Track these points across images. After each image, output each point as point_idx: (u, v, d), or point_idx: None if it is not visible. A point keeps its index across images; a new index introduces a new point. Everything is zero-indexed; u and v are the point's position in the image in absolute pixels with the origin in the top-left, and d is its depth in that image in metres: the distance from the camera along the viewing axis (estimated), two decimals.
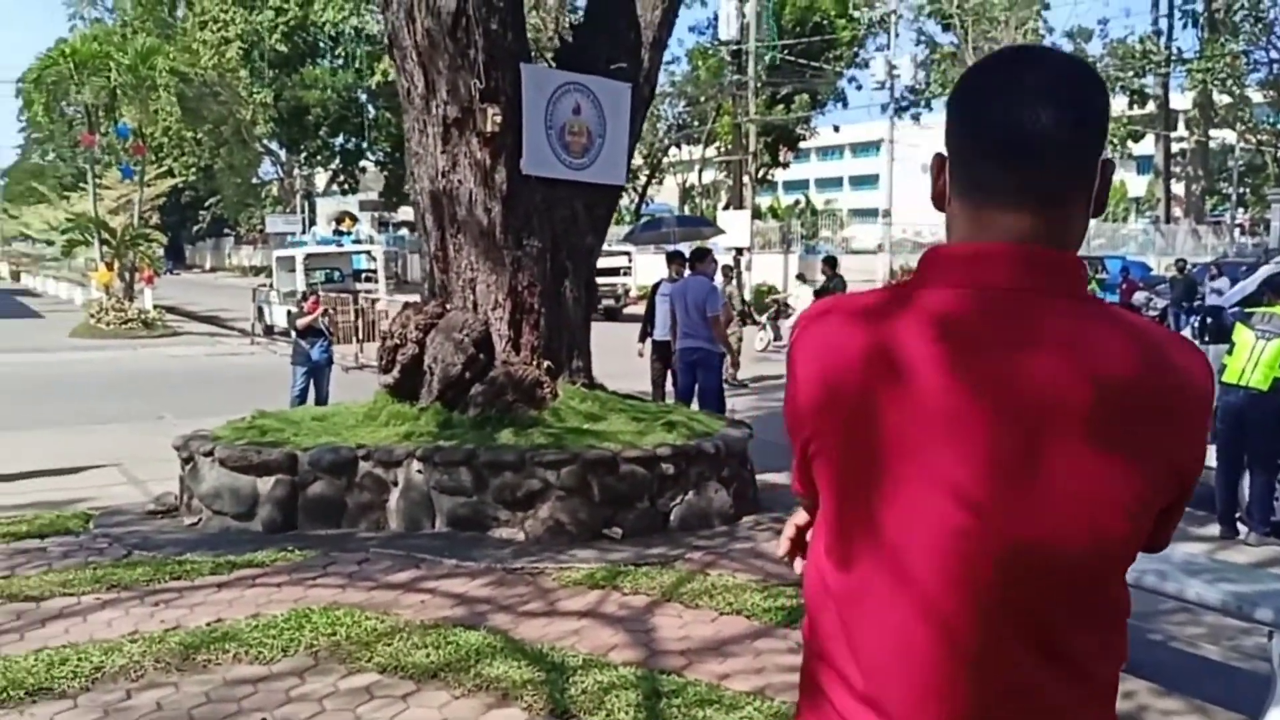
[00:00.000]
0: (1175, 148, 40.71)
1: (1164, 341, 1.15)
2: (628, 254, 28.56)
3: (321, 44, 46.30)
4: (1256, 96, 38.71)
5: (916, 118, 41.47)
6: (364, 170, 51.30)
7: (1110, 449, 1.09)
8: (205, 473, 6.67)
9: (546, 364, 7.20)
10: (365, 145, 48.75)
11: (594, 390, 7.52)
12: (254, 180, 54.97)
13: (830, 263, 17.20)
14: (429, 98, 6.97)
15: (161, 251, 33.81)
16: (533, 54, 7.90)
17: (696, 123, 43.45)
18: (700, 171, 49.62)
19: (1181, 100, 40.57)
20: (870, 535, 1.16)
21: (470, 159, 6.97)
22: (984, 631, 1.11)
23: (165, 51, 34.45)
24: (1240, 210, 45.64)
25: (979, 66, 1.23)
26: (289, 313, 14.38)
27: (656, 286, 11.49)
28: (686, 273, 10.10)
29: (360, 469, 6.47)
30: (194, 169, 50.66)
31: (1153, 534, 1.17)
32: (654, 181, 47.38)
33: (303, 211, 47.09)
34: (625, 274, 28.10)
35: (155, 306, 25.88)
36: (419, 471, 6.42)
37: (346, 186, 50.60)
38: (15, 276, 52.32)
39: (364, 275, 24.36)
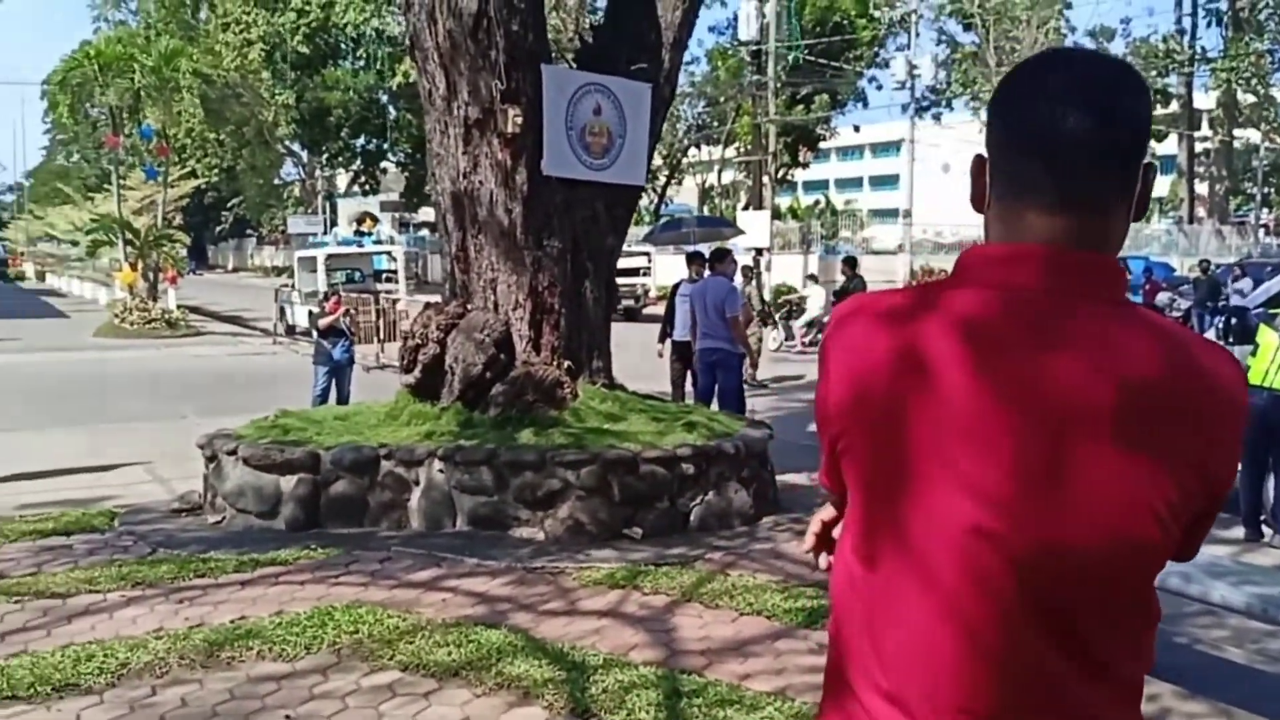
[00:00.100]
0: (1199, 147, 40.41)
1: (1192, 344, 1.15)
2: (647, 254, 28.57)
3: (343, 46, 46.57)
4: None
5: (937, 118, 41.37)
6: (385, 171, 51.54)
7: (1136, 451, 1.09)
8: (229, 471, 6.72)
9: (567, 364, 7.22)
10: (386, 146, 49.00)
11: (614, 390, 7.53)
12: (276, 181, 55.32)
13: (850, 263, 17.18)
14: (450, 99, 7.00)
15: (185, 252, 34.04)
16: (553, 55, 7.92)
17: (716, 123, 43.41)
18: (720, 172, 49.56)
19: (1205, 100, 40.28)
20: (896, 535, 1.16)
21: (491, 160, 7.00)
22: (1007, 633, 1.11)
23: (188, 53, 34.64)
24: (1265, 210, 45.26)
25: (1019, 68, 1.23)
26: (310, 313, 14.47)
27: (676, 287, 11.50)
28: (706, 273, 10.10)
29: (382, 468, 6.51)
30: (217, 170, 51.04)
31: (1182, 543, 1.16)
32: (673, 182, 47.36)
33: (324, 212, 47.37)
34: (645, 274, 28.12)
35: (178, 306, 26.07)
36: (440, 471, 6.45)
37: (367, 187, 50.85)
38: (41, 276, 52.81)
39: (384, 275, 24.47)
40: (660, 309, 14.90)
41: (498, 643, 4.41)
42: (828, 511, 1.49)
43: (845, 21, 38.43)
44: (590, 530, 6.28)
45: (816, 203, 58.41)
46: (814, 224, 41.20)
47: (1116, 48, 37.11)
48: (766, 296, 24.30)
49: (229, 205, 59.37)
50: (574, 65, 8.02)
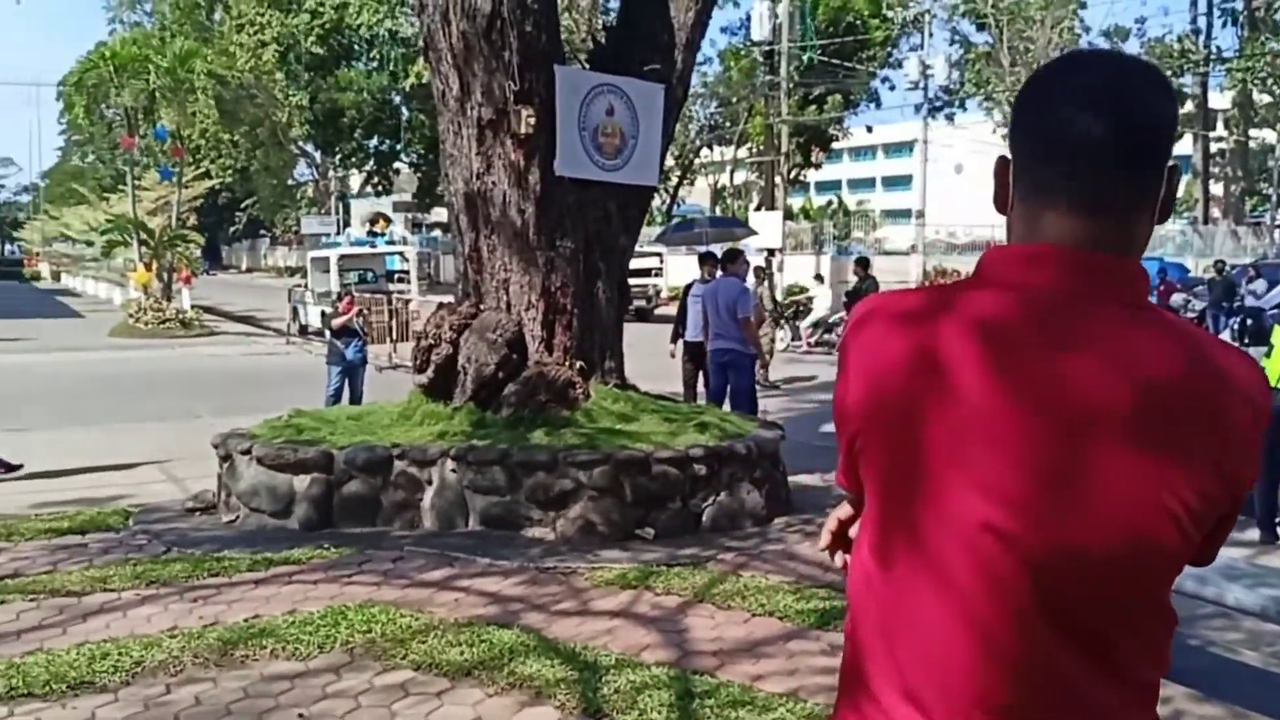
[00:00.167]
0: (1214, 148, 40.21)
1: (1210, 346, 1.15)
2: (659, 255, 28.56)
3: (356, 47, 46.73)
4: None
5: (950, 118, 41.23)
6: (398, 172, 51.70)
7: (1153, 453, 1.08)
8: (243, 471, 6.75)
9: (579, 364, 7.22)
10: (399, 147, 49.15)
11: (626, 391, 7.53)
12: (289, 182, 55.55)
13: (863, 264, 17.12)
14: (464, 100, 7.01)
15: (199, 252, 34.19)
16: (566, 56, 7.93)
17: (728, 123, 43.41)
18: (732, 172, 49.55)
19: (1220, 100, 40.07)
20: (911, 536, 1.17)
21: (504, 160, 7.01)
22: (1022, 635, 1.11)
23: (203, 55, 34.87)
24: None
25: (1044, 70, 1.23)
26: (323, 313, 14.52)
27: (688, 288, 11.50)
28: (718, 274, 10.10)
29: (395, 468, 6.53)
30: (231, 171, 51.28)
31: (1201, 547, 1.15)
32: (685, 182, 47.38)
33: (337, 213, 47.51)
34: (656, 275, 28.11)
35: (192, 306, 26.21)
36: (453, 471, 6.46)
37: (380, 188, 51.00)
38: (56, 277, 53.12)
39: (397, 276, 24.52)
40: (672, 309, 14.91)
41: (510, 642, 4.42)
42: (844, 510, 1.49)
43: (858, 21, 38.40)
44: (602, 530, 6.28)
45: (829, 203, 58.36)
46: (826, 224, 41.11)
47: (1131, 47, 36.94)
48: (779, 297, 24.29)
49: (243, 206, 59.61)
50: (587, 66, 8.03)
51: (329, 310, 11.62)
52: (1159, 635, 1.17)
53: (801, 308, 20.78)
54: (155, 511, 7.10)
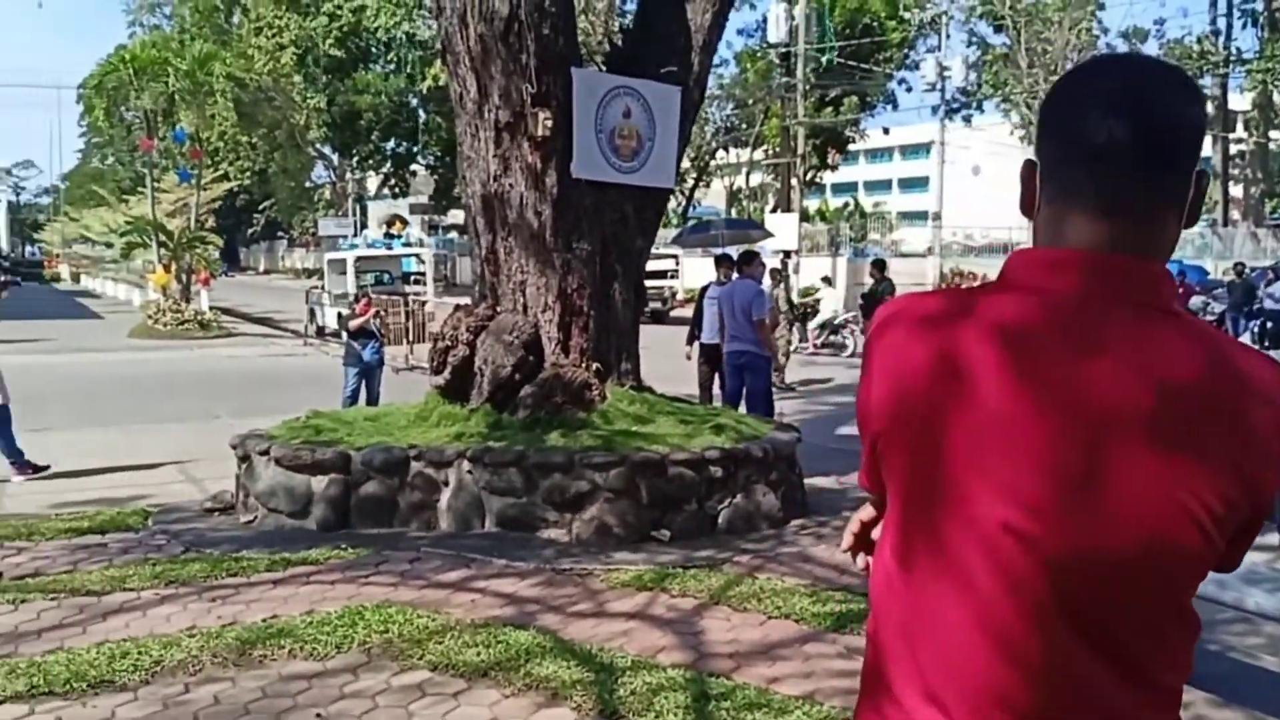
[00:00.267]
0: (1234, 149, 39.93)
1: (1231, 348, 1.14)
2: (675, 257, 28.58)
3: (374, 49, 46.93)
4: None
5: (968, 120, 41.09)
6: (414, 174, 51.87)
7: (1174, 455, 1.08)
8: (261, 471, 6.78)
9: (595, 366, 7.23)
10: (416, 149, 49.32)
11: (642, 392, 7.54)
12: (307, 184, 55.79)
13: (879, 266, 17.08)
14: (481, 102, 7.04)
15: (217, 254, 34.38)
16: (583, 58, 7.94)
17: (744, 125, 43.37)
18: (748, 174, 49.51)
19: (1240, 101, 39.80)
20: (932, 538, 1.17)
21: (521, 162, 7.03)
22: (1042, 638, 1.11)
23: (222, 57, 35.04)
24: None
25: (1071, 73, 1.23)
26: (340, 314, 14.58)
27: (705, 290, 11.49)
28: (734, 276, 10.09)
29: (412, 469, 6.55)
30: (249, 173, 51.54)
31: (1225, 552, 1.15)
32: (701, 184, 47.36)
33: (354, 215, 47.69)
34: (672, 277, 28.13)
35: (211, 308, 26.35)
36: (469, 472, 6.48)
37: (397, 190, 51.17)
38: (76, 278, 53.51)
39: (413, 278, 24.60)
40: (687, 311, 14.91)
41: (526, 643, 4.42)
42: (866, 512, 1.49)
43: (875, 23, 38.31)
44: (618, 532, 6.29)
45: (845, 205, 58.21)
46: (842, 226, 41.05)
47: (1150, 49, 36.74)
48: (795, 299, 24.25)
49: (260, 208, 59.91)
50: (604, 68, 8.04)
51: (346, 312, 11.68)
52: (1180, 640, 1.17)
53: (810, 309, 20.74)
54: (174, 512, 7.15)
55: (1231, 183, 39.89)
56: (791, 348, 16.90)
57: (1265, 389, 1.13)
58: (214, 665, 4.22)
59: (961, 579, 1.14)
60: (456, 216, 46.27)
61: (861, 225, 45.99)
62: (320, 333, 22.87)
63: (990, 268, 27.32)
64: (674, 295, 27.74)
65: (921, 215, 51.40)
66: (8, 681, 4.00)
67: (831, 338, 19.48)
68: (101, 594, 5.17)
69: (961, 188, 44.49)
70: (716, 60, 9.63)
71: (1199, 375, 1.10)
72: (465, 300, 8.26)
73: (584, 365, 7.20)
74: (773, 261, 17.09)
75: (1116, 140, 1.14)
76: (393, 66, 46.09)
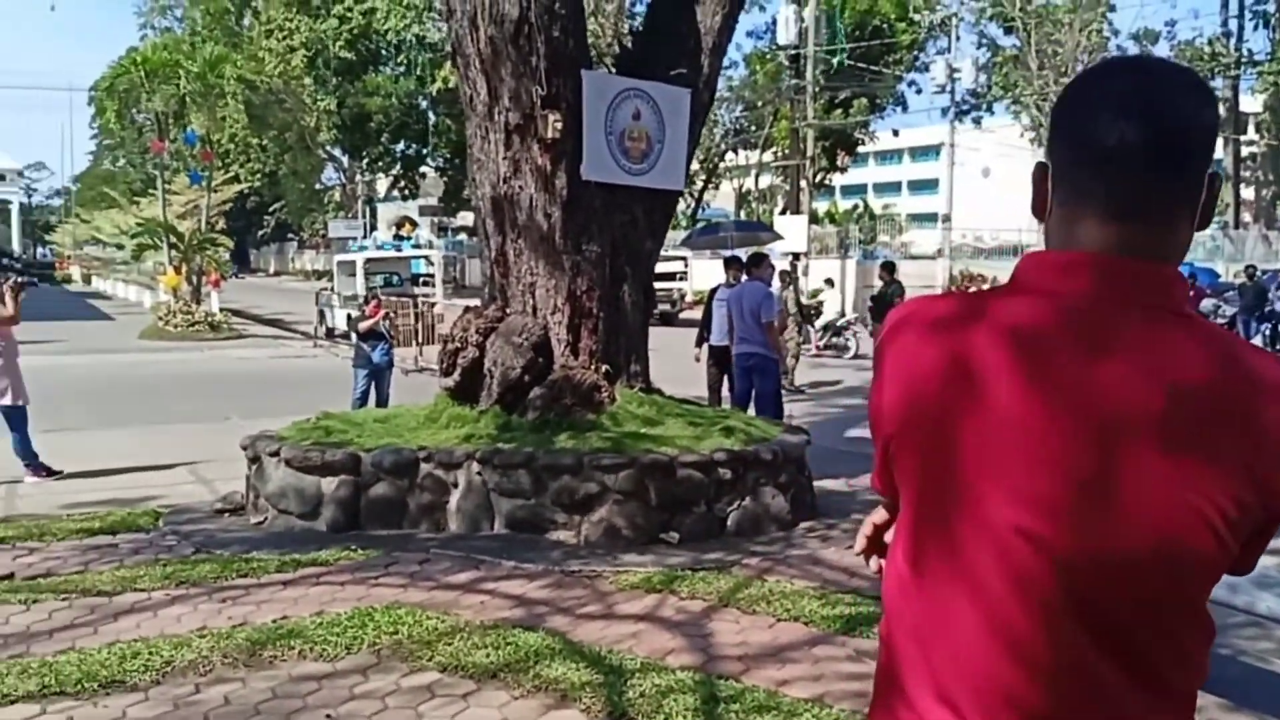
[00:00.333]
0: (1245, 151, 39.80)
1: (1241, 349, 1.14)
2: (684, 259, 28.56)
3: (384, 52, 47.06)
4: None
5: (978, 121, 41.05)
6: (424, 176, 51.99)
7: (1186, 457, 1.08)
8: (271, 473, 6.80)
9: (604, 368, 7.24)
10: (426, 151, 49.43)
11: (651, 395, 7.54)
12: (317, 186, 55.94)
13: (888, 268, 17.04)
14: (491, 104, 7.05)
15: (228, 255, 34.50)
16: (593, 60, 7.95)
17: (754, 127, 43.36)
18: (757, 176, 49.50)
19: (1252, 103, 39.67)
20: (945, 541, 1.17)
21: (531, 165, 7.04)
22: (1054, 640, 1.11)
23: (233, 60, 35.22)
24: None
25: (1082, 76, 1.23)
26: (349, 316, 14.63)
27: (714, 292, 11.49)
28: (744, 278, 10.09)
29: (421, 470, 6.56)
30: (259, 175, 51.68)
31: (1240, 555, 1.15)
32: (710, 186, 47.36)
33: (364, 216, 47.83)
34: (681, 279, 28.12)
35: (221, 309, 26.42)
36: (478, 473, 6.49)
37: (407, 192, 51.30)
38: (87, 280, 53.68)
39: (422, 279, 24.63)
40: (696, 313, 14.90)
41: (535, 645, 4.43)
42: (880, 515, 1.49)
43: (884, 25, 38.28)
44: (627, 534, 6.29)
45: (854, 207, 58.17)
46: (852, 229, 41.01)
47: (1161, 50, 36.57)
48: (804, 301, 24.23)
49: (271, 210, 60.08)
50: (614, 70, 8.05)
51: (355, 313, 11.71)
52: (1194, 643, 1.16)
53: (813, 311, 20.74)
54: (185, 513, 7.17)
55: (1243, 185, 39.76)
56: (801, 350, 16.90)
57: (1277, 390, 1.12)
58: (224, 666, 4.24)
59: (974, 581, 1.14)
60: (466, 218, 46.34)
61: (871, 227, 45.99)
62: (330, 334, 22.92)
63: (1000, 270, 27.27)
64: (683, 297, 27.73)
65: (931, 217, 51.27)
66: (20, 681, 4.02)
67: (834, 339, 19.47)
68: (112, 594, 5.19)
69: (971, 190, 44.39)
70: (726, 62, 9.64)
71: (1210, 378, 1.10)
72: (474, 302, 8.27)
73: (593, 367, 7.21)
74: (782, 264, 17.09)
75: (1128, 143, 1.14)
76: (403, 69, 46.20)
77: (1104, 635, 1.11)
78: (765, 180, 50.49)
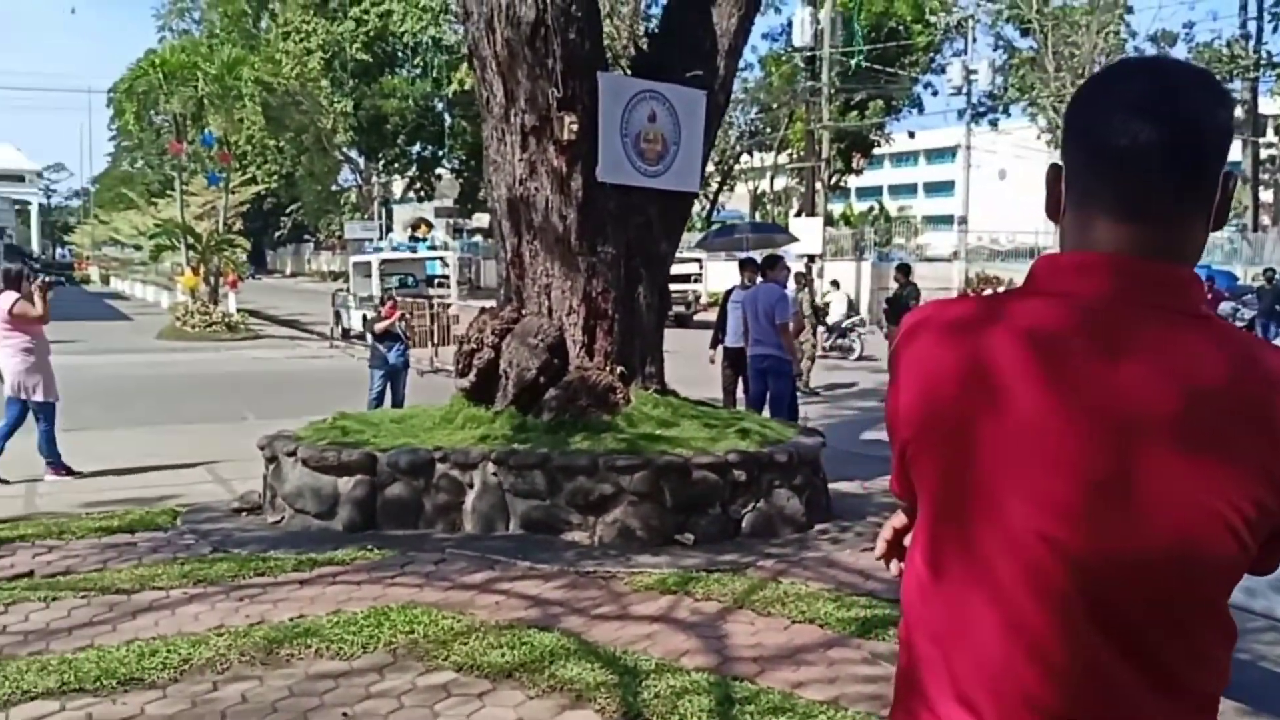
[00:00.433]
0: (1264, 154, 39.51)
1: (1259, 350, 1.14)
2: (699, 261, 28.56)
3: (400, 54, 47.23)
4: None
5: (994, 123, 40.87)
6: (440, 177, 52.13)
7: (1204, 458, 1.08)
8: (288, 472, 6.84)
9: (620, 369, 7.25)
10: (441, 153, 49.57)
11: (666, 396, 7.54)
12: (333, 187, 56.16)
13: (904, 270, 17.00)
14: (508, 106, 7.07)
15: (245, 256, 34.66)
16: (609, 62, 7.96)
17: (769, 129, 43.32)
18: (772, 178, 49.44)
19: (1271, 105, 39.37)
20: (963, 544, 1.17)
21: (547, 166, 7.06)
22: (1073, 642, 1.11)
23: (250, 62, 35.35)
24: None
25: (1096, 77, 1.23)
26: (365, 317, 14.66)
27: (729, 294, 11.49)
28: (759, 280, 10.09)
29: (437, 470, 6.58)
30: (276, 176, 51.91)
31: (1260, 556, 1.14)
32: (725, 188, 47.33)
33: (380, 218, 47.97)
34: (696, 281, 28.11)
35: (238, 310, 26.56)
36: (494, 474, 6.50)
37: (422, 193, 51.44)
38: (105, 280, 54.04)
39: (437, 281, 24.69)
40: (711, 315, 14.90)
41: (550, 645, 4.44)
42: (899, 519, 1.50)
43: (900, 27, 38.18)
44: (641, 535, 6.30)
45: (870, 209, 58.04)
46: (867, 231, 40.90)
47: (1179, 52, 36.36)
48: (818, 303, 24.18)
49: (288, 211, 60.34)
50: (629, 72, 8.06)
51: (371, 314, 11.74)
52: (1215, 646, 1.16)
53: (820, 313, 20.71)
54: (202, 512, 7.21)
55: (1261, 187, 39.47)
56: (816, 351, 16.90)
57: None
58: (241, 664, 4.27)
59: (992, 583, 1.14)
60: (481, 220, 46.47)
61: (886, 229, 45.87)
62: (346, 335, 23.00)
63: (1016, 272, 27.12)
64: (698, 299, 27.71)
65: (947, 219, 51.11)
66: (39, 678, 4.06)
67: (840, 340, 19.45)
68: (131, 592, 5.23)
69: (987, 192, 44.25)
70: (741, 64, 9.63)
71: (1228, 379, 1.10)
72: (490, 303, 8.30)
73: (608, 368, 7.22)
74: (797, 266, 17.06)
75: (1142, 144, 1.14)
76: (419, 71, 46.37)
77: (1123, 637, 1.11)
78: (780, 182, 50.43)
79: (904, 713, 1.26)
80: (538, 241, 7.22)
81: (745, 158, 46.42)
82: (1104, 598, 1.10)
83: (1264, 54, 36.10)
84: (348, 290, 24.47)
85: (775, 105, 41.67)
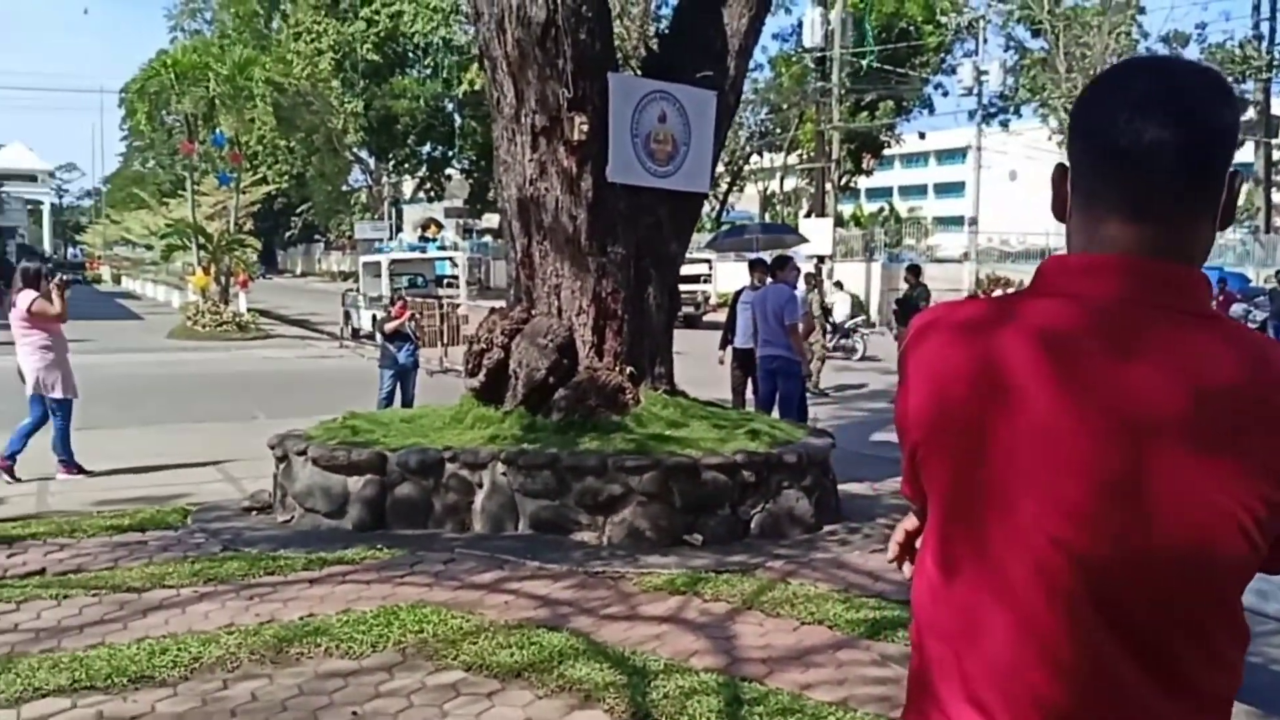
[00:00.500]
0: (1276, 155, 39.30)
1: (1271, 350, 1.14)
2: (708, 261, 28.56)
3: (411, 55, 47.34)
4: None
5: (1005, 124, 40.78)
6: (450, 178, 52.20)
7: (1216, 459, 1.08)
8: (298, 471, 6.86)
9: (629, 370, 7.25)
10: (451, 154, 49.67)
11: (675, 397, 7.54)
12: (344, 187, 56.31)
13: (914, 271, 16.94)
14: (518, 107, 7.08)
15: (255, 256, 34.76)
16: (619, 63, 7.96)
17: (779, 130, 43.29)
18: (782, 179, 49.40)
19: None
20: (973, 545, 1.17)
21: (557, 167, 7.06)
22: (1085, 644, 1.11)
23: (261, 62, 35.41)
24: None
25: (1101, 77, 1.23)
26: (374, 317, 14.67)
27: (738, 294, 11.48)
28: (768, 280, 10.08)
29: (446, 470, 6.59)
30: (287, 176, 52.06)
31: (1270, 555, 1.14)
32: (735, 189, 47.32)
33: (390, 218, 48.10)
34: (705, 281, 28.11)
35: (249, 310, 26.63)
36: (503, 474, 6.51)
37: (432, 194, 51.52)
38: (116, 279, 54.27)
39: (446, 281, 24.74)
40: (721, 316, 14.90)
41: (559, 645, 4.44)
42: (911, 521, 1.49)
43: (911, 28, 38.12)
44: (650, 536, 6.30)
45: (880, 210, 57.94)
46: (877, 232, 40.83)
47: (1191, 53, 36.22)
48: (828, 304, 24.15)
49: (298, 211, 60.52)
50: (640, 73, 8.06)
51: (380, 314, 11.77)
52: (1227, 647, 1.16)
53: (824, 314, 20.70)
54: (213, 510, 7.23)
55: (1274, 189, 39.25)
56: (826, 353, 16.87)
57: None
58: (251, 662, 4.28)
59: (1003, 584, 1.14)
60: (491, 220, 46.51)
61: (896, 230, 45.73)
62: (355, 335, 23.06)
63: (1027, 273, 26.97)
64: (707, 300, 27.72)
65: (957, 220, 51.02)
66: (50, 675, 4.07)
67: (843, 341, 19.44)
68: (142, 591, 5.25)
69: (998, 193, 44.20)
70: (751, 65, 9.63)
71: (1239, 379, 1.10)
72: (499, 303, 8.31)
73: (618, 369, 7.22)
74: (807, 267, 17.04)
75: (1148, 143, 1.13)
76: (429, 71, 46.47)
77: (1134, 638, 1.11)
78: (790, 183, 50.39)
79: (915, 714, 1.26)
80: (548, 242, 7.22)
81: (755, 158, 46.43)
82: (1115, 598, 1.10)
83: (1277, 55, 35.92)
84: (357, 290, 24.53)
85: (785, 106, 41.67)
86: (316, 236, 68.05)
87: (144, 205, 36.79)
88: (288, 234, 67.93)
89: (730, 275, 26.74)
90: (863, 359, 18.49)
